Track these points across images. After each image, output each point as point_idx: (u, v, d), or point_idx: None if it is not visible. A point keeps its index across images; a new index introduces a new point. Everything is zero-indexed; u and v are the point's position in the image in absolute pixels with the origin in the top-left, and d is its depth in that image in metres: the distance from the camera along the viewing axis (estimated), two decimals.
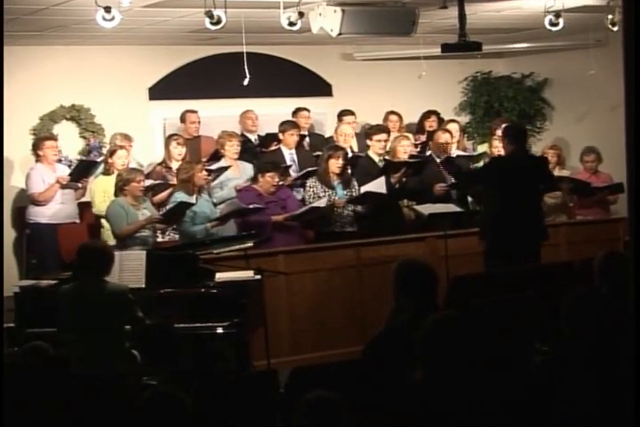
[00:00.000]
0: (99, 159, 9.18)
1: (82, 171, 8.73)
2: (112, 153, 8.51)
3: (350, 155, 9.04)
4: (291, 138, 8.98)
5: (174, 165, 8.56)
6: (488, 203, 7.53)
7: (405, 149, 8.74)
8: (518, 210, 7.16)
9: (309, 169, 8.46)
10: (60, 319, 5.62)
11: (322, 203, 7.92)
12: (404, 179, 8.47)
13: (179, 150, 8.73)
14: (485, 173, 7.60)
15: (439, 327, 3.56)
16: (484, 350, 3.60)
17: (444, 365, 3.48)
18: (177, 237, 7.97)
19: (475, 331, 3.57)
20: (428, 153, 9.07)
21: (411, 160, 8.56)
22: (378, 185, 8.05)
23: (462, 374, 3.47)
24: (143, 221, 7.42)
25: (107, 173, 8.44)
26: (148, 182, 8.12)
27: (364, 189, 8.12)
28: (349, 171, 8.42)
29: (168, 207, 7.72)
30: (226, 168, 8.39)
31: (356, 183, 8.30)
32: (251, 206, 7.69)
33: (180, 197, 7.65)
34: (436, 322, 3.59)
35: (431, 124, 10.20)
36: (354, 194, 8.21)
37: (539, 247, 7.28)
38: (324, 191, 8.14)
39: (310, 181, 8.24)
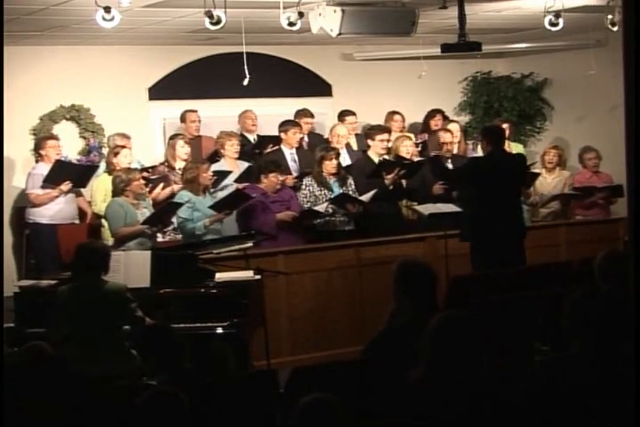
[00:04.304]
0: (99, 161, 9.22)
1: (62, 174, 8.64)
2: (115, 154, 8.49)
3: (347, 154, 9.05)
4: (294, 137, 8.94)
5: (178, 165, 8.56)
6: (470, 203, 7.50)
7: (408, 149, 8.78)
8: (499, 209, 7.17)
9: (305, 171, 8.47)
10: (52, 319, 5.63)
11: (321, 208, 7.91)
12: (403, 181, 8.46)
13: (185, 150, 8.73)
14: (466, 174, 7.56)
15: (447, 327, 3.57)
16: (485, 350, 3.60)
17: (450, 364, 3.49)
18: (178, 237, 7.98)
19: (481, 331, 3.58)
20: (432, 153, 9.06)
21: (406, 161, 8.54)
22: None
23: (465, 373, 3.47)
24: (139, 230, 7.35)
25: (111, 173, 8.38)
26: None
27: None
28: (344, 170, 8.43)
29: (157, 208, 7.71)
30: (228, 172, 8.37)
31: (352, 182, 8.29)
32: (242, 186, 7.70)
33: (186, 195, 7.65)
34: (443, 322, 3.59)
35: (436, 122, 10.20)
36: (350, 192, 8.21)
37: (522, 245, 7.27)
38: (320, 190, 8.13)
39: (306, 181, 8.22)
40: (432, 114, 10.36)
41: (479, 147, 10.17)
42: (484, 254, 7.14)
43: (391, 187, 8.32)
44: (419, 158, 9.03)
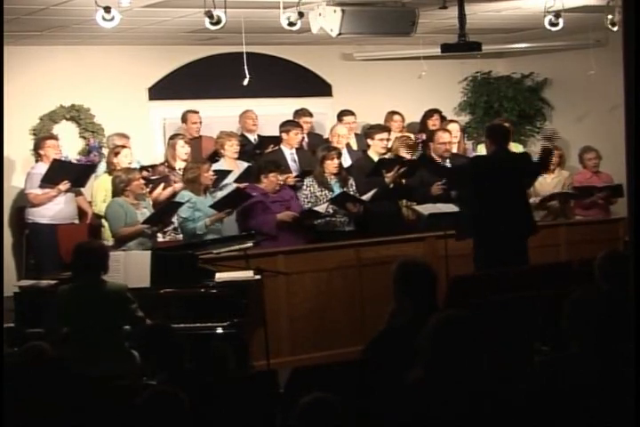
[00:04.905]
0: (99, 161, 9.22)
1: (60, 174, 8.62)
2: (116, 154, 8.49)
3: (347, 154, 9.05)
4: (295, 137, 8.93)
5: (178, 165, 8.56)
6: (471, 202, 7.49)
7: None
8: (502, 208, 7.16)
9: (305, 169, 8.48)
10: (49, 319, 5.64)
11: (322, 208, 7.92)
12: (402, 180, 8.48)
13: (185, 150, 8.74)
14: (467, 173, 7.56)
15: (447, 327, 3.57)
16: (485, 350, 3.60)
17: (449, 364, 3.49)
18: (178, 237, 7.97)
19: (481, 331, 3.58)
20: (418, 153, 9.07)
21: (405, 159, 8.55)
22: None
23: (464, 374, 3.47)
24: (139, 230, 7.35)
25: (111, 173, 8.36)
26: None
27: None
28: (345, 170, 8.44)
29: (158, 208, 7.72)
30: (229, 172, 8.38)
31: (353, 182, 8.29)
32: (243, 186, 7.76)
33: (187, 195, 7.65)
34: (443, 321, 3.59)
35: (434, 122, 10.19)
36: (351, 193, 8.20)
37: (525, 245, 7.26)
38: (321, 191, 8.14)
39: (307, 181, 8.23)
40: (429, 114, 10.35)
41: (479, 147, 10.21)
42: (485, 249, 7.13)
43: (392, 185, 8.34)
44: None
